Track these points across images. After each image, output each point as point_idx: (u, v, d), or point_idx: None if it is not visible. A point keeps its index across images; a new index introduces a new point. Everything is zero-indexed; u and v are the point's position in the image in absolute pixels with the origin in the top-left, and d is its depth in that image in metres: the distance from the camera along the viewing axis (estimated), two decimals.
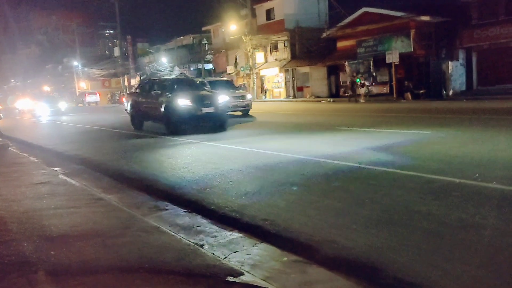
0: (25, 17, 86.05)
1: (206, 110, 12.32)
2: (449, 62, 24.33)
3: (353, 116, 16.02)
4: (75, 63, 62.33)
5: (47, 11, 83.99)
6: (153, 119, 13.61)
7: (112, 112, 30.51)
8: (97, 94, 55.34)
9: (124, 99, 15.67)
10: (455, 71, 24.73)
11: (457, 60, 25.01)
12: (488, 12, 23.66)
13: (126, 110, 15.11)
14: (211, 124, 12.91)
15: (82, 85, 61.19)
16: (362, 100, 24.98)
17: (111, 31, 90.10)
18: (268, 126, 13.41)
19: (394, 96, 24.85)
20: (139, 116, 14.39)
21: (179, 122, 12.33)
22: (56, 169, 7.29)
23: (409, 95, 24.07)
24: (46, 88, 60.28)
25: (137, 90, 15.56)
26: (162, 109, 12.42)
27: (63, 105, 32.36)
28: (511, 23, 22.49)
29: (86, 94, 54.67)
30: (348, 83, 28.10)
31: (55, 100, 32.53)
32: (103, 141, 12.09)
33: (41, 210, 4.56)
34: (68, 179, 6.21)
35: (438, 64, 24.20)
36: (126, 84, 61.26)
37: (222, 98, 13.08)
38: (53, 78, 70.11)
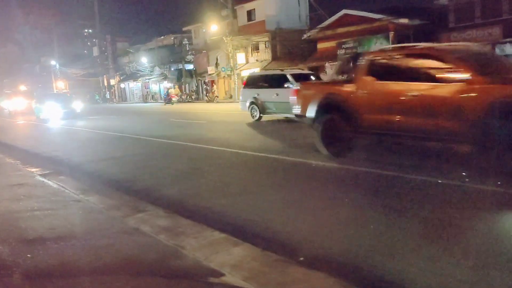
0: (2, 15, 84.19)
1: None
2: None
3: None
4: (53, 62, 61.22)
5: (24, 9, 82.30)
6: (445, 137, 5.88)
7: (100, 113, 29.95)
8: None
9: (294, 96, 8.56)
10: None
11: None
12: (465, 15, 24.20)
13: (299, 115, 8.33)
14: None
15: (60, 84, 60.19)
16: None
17: (90, 30, 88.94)
18: None
19: None
20: (357, 129, 6.95)
21: None
22: None
23: None
24: (23, 87, 58.97)
25: (352, 74, 7.54)
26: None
27: (78, 105, 24.39)
28: (487, 26, 23.08)
29: None
30: None
31: (68, 99, 25.17)
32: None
33: (19, 212, 4.47)
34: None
35: None
36: (106, 84, 60.59)
37: None
38: (30, 77, 68.72)
